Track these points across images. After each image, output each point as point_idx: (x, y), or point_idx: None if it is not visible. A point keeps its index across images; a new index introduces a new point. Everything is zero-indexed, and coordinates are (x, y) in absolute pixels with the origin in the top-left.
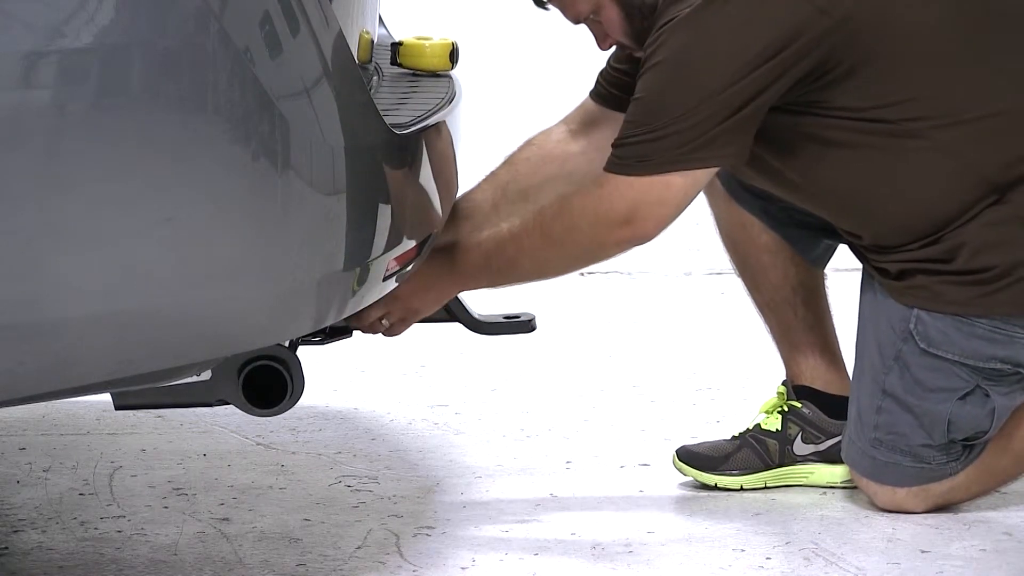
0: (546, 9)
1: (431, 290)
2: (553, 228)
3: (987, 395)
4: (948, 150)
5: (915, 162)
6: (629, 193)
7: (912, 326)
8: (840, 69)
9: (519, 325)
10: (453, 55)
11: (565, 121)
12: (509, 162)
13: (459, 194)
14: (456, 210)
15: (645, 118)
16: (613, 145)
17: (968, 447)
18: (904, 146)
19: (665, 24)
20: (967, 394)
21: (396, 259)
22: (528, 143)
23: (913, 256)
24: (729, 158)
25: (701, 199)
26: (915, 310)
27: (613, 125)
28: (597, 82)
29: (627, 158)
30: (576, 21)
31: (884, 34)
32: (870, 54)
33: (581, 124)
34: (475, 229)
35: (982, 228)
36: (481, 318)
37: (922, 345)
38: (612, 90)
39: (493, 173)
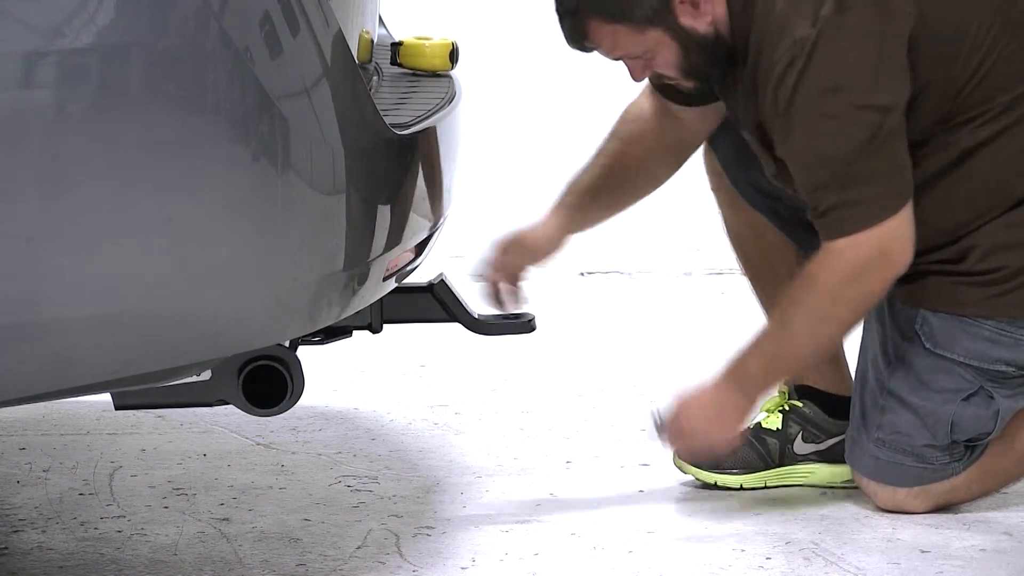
0: (588, 52)
1: (723, 415)
2: (818, 308)
3: (991, 397)
4: (992, 169)
5: (956, 180)
6: (869, 240)
7: (918, 326)
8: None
9: (519, 325)
10: (453, 55)
11: (643, 93)
12: (612, 136)
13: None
14: (577, 190)
15: (825, 175)
16: (817, 216)
17: (970, 448)
18: (952, 166)
19: (779, 81)
20: (971, 395)
21: (396, 259)
22: (621, 118)
23: (924, 259)
24: (910, 169)
25: (701, 197)
26: (921, 311)
27: (679, 110)
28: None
29: (845, 218)
30: (617, 59)
31: (945, 54)
32: (932, 78)
33: (658, 101)
34: (597, 202)
35: (996, 230)
36: (481, 318)
37: (927, 345)
38: (664, 90)
39: (602, 147)
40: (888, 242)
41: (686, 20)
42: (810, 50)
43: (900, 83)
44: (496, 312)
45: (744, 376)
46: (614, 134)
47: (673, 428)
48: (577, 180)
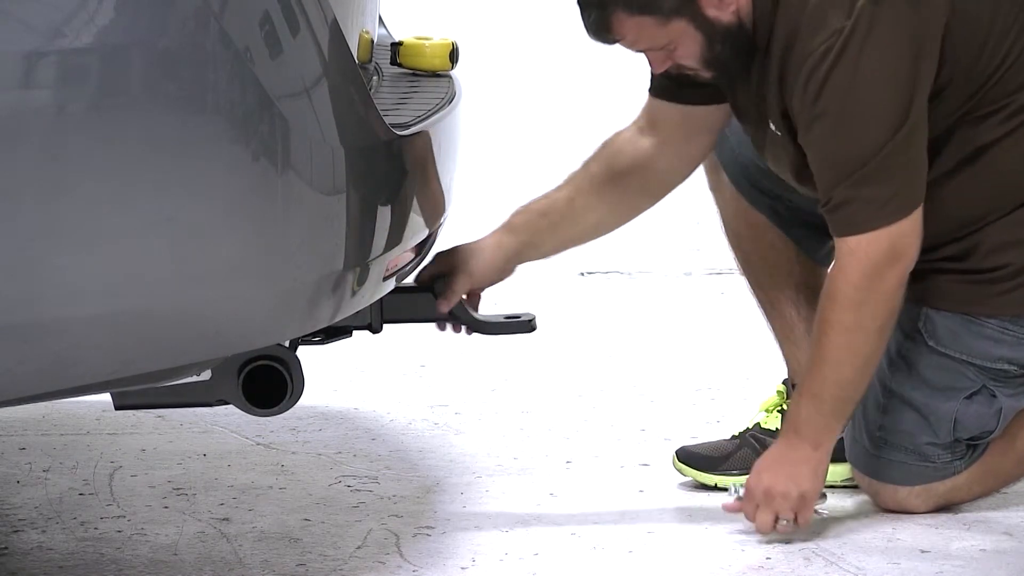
0: (610, 44)
1: (790, 468)
2: (843, 320)
3: (994, 395)
4: (1006, 165)
5: (968, 176)
6: (879, 240)
7: (921, 324)
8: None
9: (519, 325)
10: (453, 55)
11: (634, 122)
12: (584, 164)
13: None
14: (531, 210)
15: (844, 168)
16: (829, 210)
17: (972, 446)
18: (966, 162)
19: (812, 70)
20: (973, 394)
21: (396, 259)
22: (601, 145)
23: (928, 256)
24: (926, 171)
25: (701, 197)
26: (924, 308)
27: (676, 118)
28: (652, 78)
29: (859, 215)
30: (639, 51)
31: (970, 48)
32: (956, 72)
33: (647, 121)
34: (551, 226)
35: (1001, 228)
36: (482, 318)
37: (930, 343)
38: (667, 82)
39: (571, 175)
40: (899, 240)
41: (711, 11)
42: (844, 41)
43: (925, 81)
44: (497, 312)
45: (798, 422)
46: (586, 163)
47: (748, 496)
48: (532, 203)
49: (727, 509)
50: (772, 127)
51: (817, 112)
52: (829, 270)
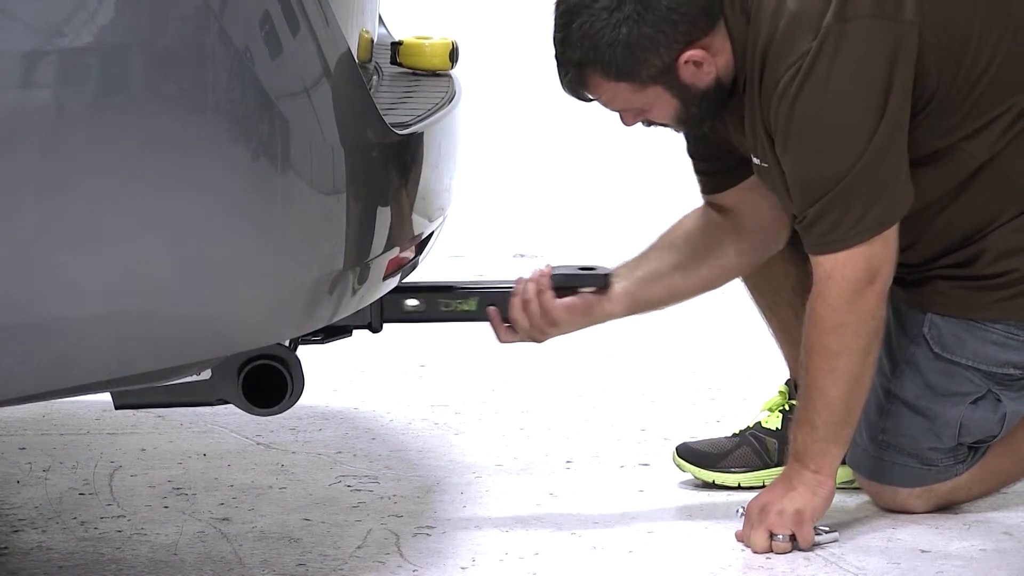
0: (585, 101)
1: (789, 490)
2: (826, 345)
3: (999, 400)
4: (1009, 173)
5: (976, 189)
6: (854, 261)
7: (926, 330)
8: (921, 96)
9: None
10: (453, 55)
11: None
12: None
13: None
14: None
15: (816, 188)
16: (803, 228)
17: (974, 449)
18: (973, 176)
19: (782, 93)
20: (979, 399)
21: (396, 259)
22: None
23: (933, 264)
24: (910, 190)
25: (700, 198)
26: (929, 314)
27: (737, 196)
28: (698, 182)
29: (832, 233)
30: (614, 110)
31: (951, 60)
32: (941, 81)
33: (715, 210)
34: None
35: (1006, 234)
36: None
37: (935, 349)
38: (708, 177)
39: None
40: (874, 260)
41: (688, 78)
42: (811, 61)
43: (899, 95)
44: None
45: (796, 450)
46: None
47: (746, 517)
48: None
49: (738, 537)
50: (757, 160)
51: (788, 133)
52: (809, 296)
